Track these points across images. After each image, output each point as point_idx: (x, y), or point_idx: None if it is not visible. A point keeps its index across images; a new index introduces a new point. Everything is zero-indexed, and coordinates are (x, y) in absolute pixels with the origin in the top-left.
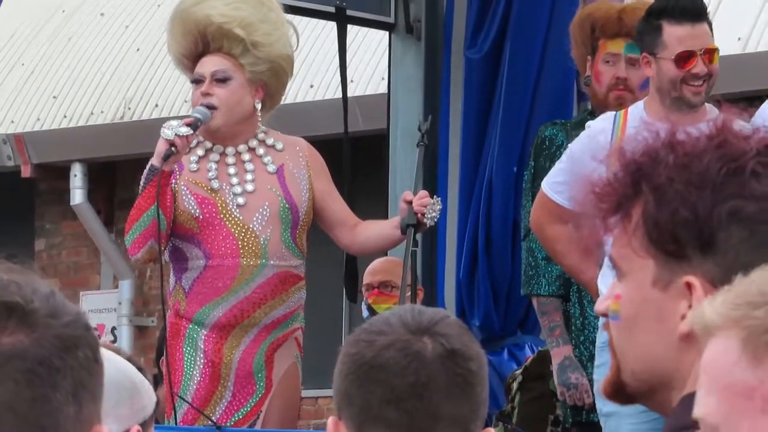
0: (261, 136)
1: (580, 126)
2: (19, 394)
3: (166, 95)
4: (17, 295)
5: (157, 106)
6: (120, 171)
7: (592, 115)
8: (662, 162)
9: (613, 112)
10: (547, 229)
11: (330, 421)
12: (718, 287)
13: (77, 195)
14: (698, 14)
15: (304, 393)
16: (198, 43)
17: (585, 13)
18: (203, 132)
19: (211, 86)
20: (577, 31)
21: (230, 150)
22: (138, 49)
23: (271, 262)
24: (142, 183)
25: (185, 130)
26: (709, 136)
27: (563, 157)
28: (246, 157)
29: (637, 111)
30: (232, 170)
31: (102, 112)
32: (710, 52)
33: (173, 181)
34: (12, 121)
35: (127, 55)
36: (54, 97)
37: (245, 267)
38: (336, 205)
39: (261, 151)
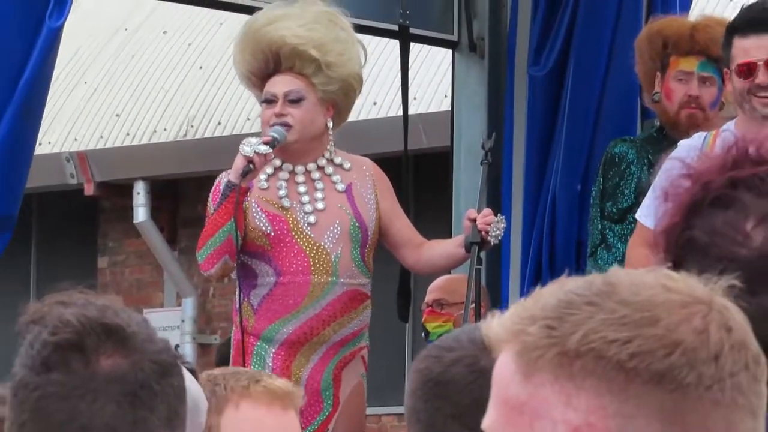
0: (329, 155)
1: (649, 142)
2: (119, 416)
3: (228, 113)
4: (116, 318)
5: (219, 123)
6: (183, 189)
7: (661, 131)
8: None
9: (706, 132)
10: (631, 252)
11: None
12: None
13: (140, 213)
14: (762, 24)
15: (368, 411)
16: (269, 62)
17: (655, 29)
18: (275, 150)
19: (285, 107)
20: (645, 46)
21: (300, 168)
22: (201, 67)
23: (342, 280)
24: (218, 199)
25: (264, 149)
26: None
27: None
28: (315, 175)
29: (728, 129)
30: (302, 188)
31: (165, 129)
32: None
33: (244, 199)
34: (75, 139)
35: (190, 73)
36: (117, 115)
37: (316, 284)
38: (401, 225)
39: (330, 170)
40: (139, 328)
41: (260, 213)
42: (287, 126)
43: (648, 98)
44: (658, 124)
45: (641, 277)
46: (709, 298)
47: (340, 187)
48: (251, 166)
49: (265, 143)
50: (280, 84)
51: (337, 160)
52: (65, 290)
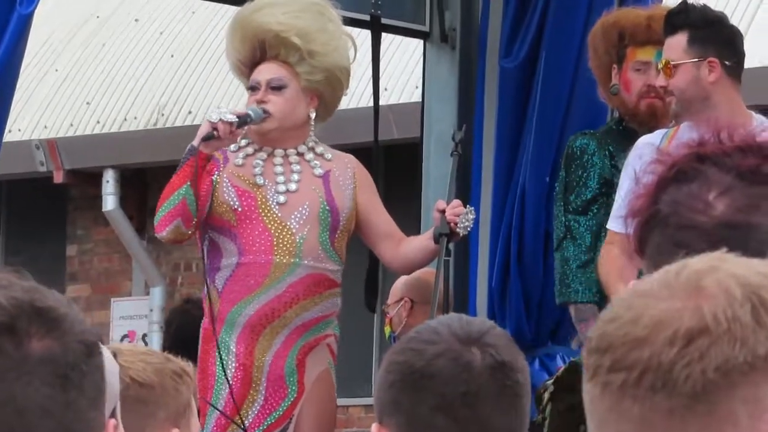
0: (311, 144)
1: (609, 134)
2: (53, 397)
3: (199, 102)
4: (46, 300)
5: (190, 112)
6: (152, 177)
7: (620, 123)
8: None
9: (665, 129)
10: (602, 253)
11: (374, 428)
12: None
13: (109, 201)
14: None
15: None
16: (256, 50)
17: (610, 21)
18: (253, 135)
19: (267, 94)
20: (599, 40)
21: (279, 151)
22: (172, 56)
23: (305, 262)
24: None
25: (231, 117)
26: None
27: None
28: (294, 158)
29: (686, 126)
30: (279, 169)
31: (135, 118)
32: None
33: (215, 172)
34: (45, 127)
35: (161, 62)
36: (87, 103)
37: (278, 264)
38: (380, 221)
39: (309, 156)
40: (67, 309)
41: (230, 188)
42: (267, 113)
43: (604, 92)
44: (617, 116)
45: None
46: None
47: (318, 171)
48: (215, 132)
49: (237, 115)
50: (265, 71)
51: (319, 149)
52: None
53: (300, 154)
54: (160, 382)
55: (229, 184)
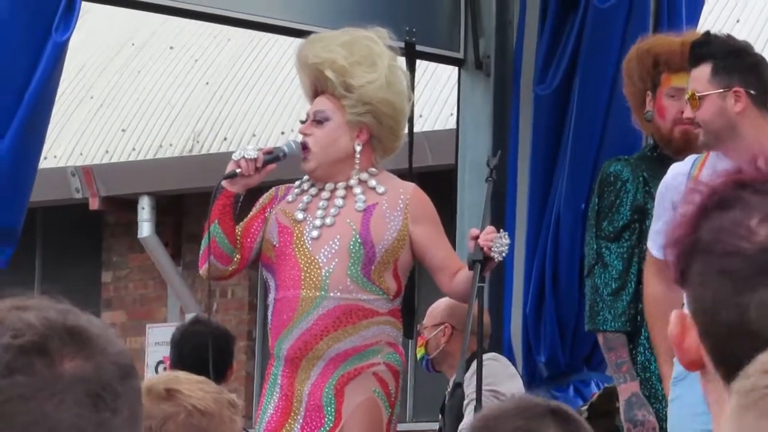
0: (364, 176)
1: (643, 161)
2: (85, 417)
3: (234, 129)
4: (79, 320)
5: (225, 139)
6: (188, 204)
7: (654, 149)
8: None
9: (695, 156)
10: (647, 285)
11: None
12: (696, 321)
13: (145, 228)
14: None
15: None
16: (313, 83)
17: (644, 48)
18: (308, 175)
19: (310, 126)
20: (634, 67)
21: (329, 186)
22: (207, 83)
23: (331, 294)
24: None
25: (252, 154)
26: (731, 171)
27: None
28: (340, 193)
29: (716, 154)
30: (322, 204)
31: (171, 145)
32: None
33: (269, 209)
34: (81, 154)
35: (196, 89)
36: (123, 130)
37: (305, 298)
38: (436, 252)
39: (358, 190)
40: (100, 331)
41: (275, 224)
42: (306, 150)
43: (638, 119)
44: (651, 142)
45: None
46: None
47: (360, 206)
48: (237, 170)
49: (265, 152)
50: (315, 104)
51: (372, 183)
52: (18, 295)
53: (349, 188)
54: (218, 411)
55: (274, 221)
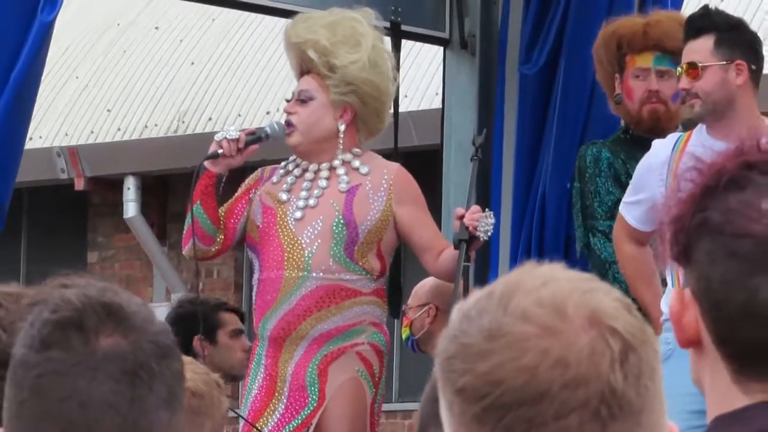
0: (347, 157)
1: (618, 144)
2: (119, 393)
3: (219, 109)
4: (116, 297)
5: (210, 119)
6: (173, 184)
7: (626, 132)
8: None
9: (677, 134)
10: (621, 248)
11: None
12: (699, 300)
13: (130, 208)
14: (688, 31)
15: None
16: (300, 63)
17: (608, 32)
18: (293, 151)
19: (294, 105)
20: (602, 51)
21: (312, 167)
22: (192, 63)
23: (314, 274)
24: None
25: (234, 134)
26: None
27: (633, 176)
28: (324, 174)
29: (700, 132)
30: (305, 185)
31: (156, 125)
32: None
33: (254, 190)
34: (66, 134)
35: (181, 69)
36: (108, 110)
37: (288, 279)
38: (421, 232)
39: (341, 170)
40: (139, 309)
41: (259, 205)
42: (291, 126)
43: (611, 103)
44: (623, 125)
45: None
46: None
47: (343, 187)
48: (219, 151)
49: (249, 132)
50: (300, 83)
51: (355, 163)
52: (66, 274)
53: (332, 168)
54: (209, 393)
55: (259, 202)
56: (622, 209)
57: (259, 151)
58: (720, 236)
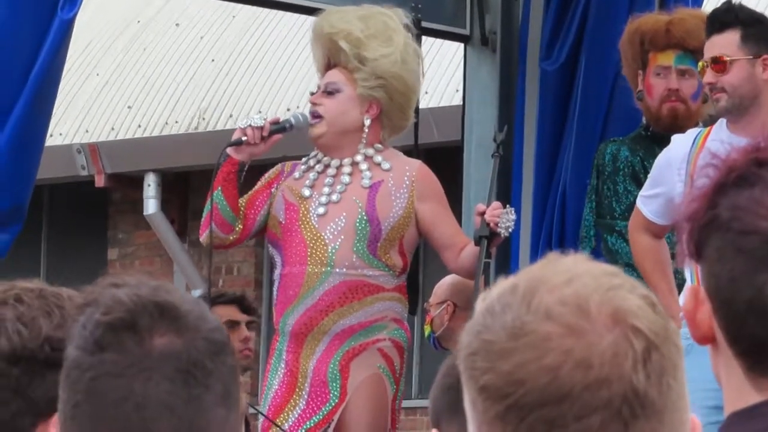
0: (370, 152)
1: (637, 141)
2: (174, 393)
3: (240, 106)
4: (169, 296)
5: (231, 116)
6: (194, 181)
7: (647, 129)
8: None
9: (697, 129)
10: (636, 239)
11: None
12: (710, 297)
13: (150, 205)
14: (711, 26)
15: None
16: (326, 56)
17: (633, 28)
18: (315, 143)
19: (320, 97)
20: (627, 48)
21: (335, 162)
22: (213, 60)
23: (337, 270)
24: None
25: (259, 122)
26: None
27: (652, 169)
28: (347, 170)
29: (720, 127)
30: (328, 180)
31: (176, 122)
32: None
33: (275, 185)
34: (86, 131)
35: (201, 66)
36: (129, 107)
37: (311, 274)
38: (443, 230)
39: (364, 166)
40: (192, 307)
41: (281, 201)
42: (317, 117)
43: (635, 97)
44: (644, 122)
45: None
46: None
47: (366, 183)
48: (243, 138)
49: (273, 121)
50: (326, 77)
51: (378, 158)
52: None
53: (355, 164)
54: None
55: (281, 197)
56: (639, 202)
57: (280, 147)
58: (728, 233)
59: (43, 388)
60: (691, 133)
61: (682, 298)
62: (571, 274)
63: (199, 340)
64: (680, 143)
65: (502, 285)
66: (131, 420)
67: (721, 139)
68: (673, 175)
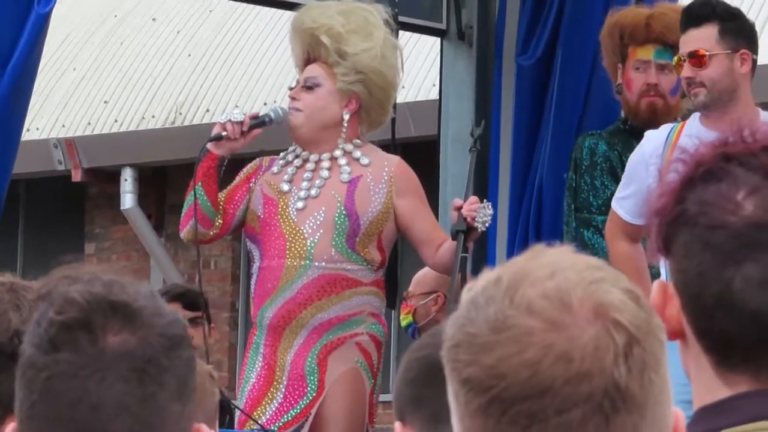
0: (349, 147)
1: (615, 135)
2: (129, 393)
3: (217, 100)
4: (123, 294)
5: (208, 111)
6: (170, 175)
7: (625, 123)
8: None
9: (671, 124)
10: (613, 245)
11: (397, 426)
12: (678, 292)
13: (127, 199)
14: (687, 20)
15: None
16: (306, 51)
17: (613, 21)
18: (293, 137)
19: (300, 92)
20: (606, 40)
21: (313, 157)
22: (189, 54)
23: (316, 263)
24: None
25: (239, 117)
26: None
27: (625, 169)
28: (325, 165)
29: (693, 122)
30: (307, 175)
31: (153, 116)
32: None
33: (253, 180)
34: (63, 126)
35: (178, 60)
36: (105, 101)
37: (289, 267)
38: (421, 226)
39: (343, 161)
40: (147, 302)
41: (260, 196)
42: (297, 110)
43: (614, 90)
44: (623, 115)
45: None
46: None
47: (345, 177)
48: (223, 133)
49: (253, 116)
50: (306, 71)
51: (356, 154)
52: (72, 263)
53: (334, 159)
54: (201, 384)
55: (259, 192)
56: (615, 204)
57: (258, 141)
58: (696, 228)
59: (10, 382)
60: (665, 128)
61: (651, 294)
62: (554, 267)
63: (153, 337)
64: (653, 139)
65: (487, 277)
66: (87, 421)
67: (691, 134)
68: (646, 172)
